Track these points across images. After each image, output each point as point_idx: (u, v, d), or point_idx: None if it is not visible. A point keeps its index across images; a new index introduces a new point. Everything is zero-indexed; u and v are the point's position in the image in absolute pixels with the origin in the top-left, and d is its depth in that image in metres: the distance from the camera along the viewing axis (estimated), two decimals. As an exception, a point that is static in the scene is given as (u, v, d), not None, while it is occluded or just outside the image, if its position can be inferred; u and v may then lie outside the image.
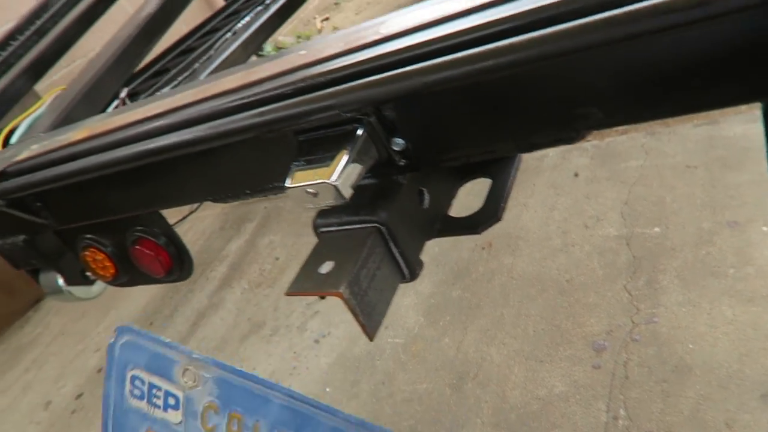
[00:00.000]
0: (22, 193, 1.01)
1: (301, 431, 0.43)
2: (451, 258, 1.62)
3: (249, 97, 0.69)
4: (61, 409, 2.09)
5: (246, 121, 0.68)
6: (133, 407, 0.48)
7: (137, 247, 1.05)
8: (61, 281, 1.25)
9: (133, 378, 0.47)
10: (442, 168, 0.80)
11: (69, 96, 1.27)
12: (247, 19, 1.90)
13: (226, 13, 2.81)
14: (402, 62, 0.57)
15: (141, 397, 0.46)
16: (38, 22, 2.29)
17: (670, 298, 1.25)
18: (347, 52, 0.65)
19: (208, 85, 0.82)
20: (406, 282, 0.73)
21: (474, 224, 0.76)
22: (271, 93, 0.67)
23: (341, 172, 0.62)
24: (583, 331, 1.29)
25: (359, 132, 0.64)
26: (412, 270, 0.70)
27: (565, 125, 0.57)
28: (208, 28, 2.68)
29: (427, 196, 0.75)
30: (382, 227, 0.67)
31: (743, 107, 1.63)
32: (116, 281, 1.18)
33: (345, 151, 0.63)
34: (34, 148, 1.04)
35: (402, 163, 0.67)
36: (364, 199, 0.68)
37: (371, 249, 0.66)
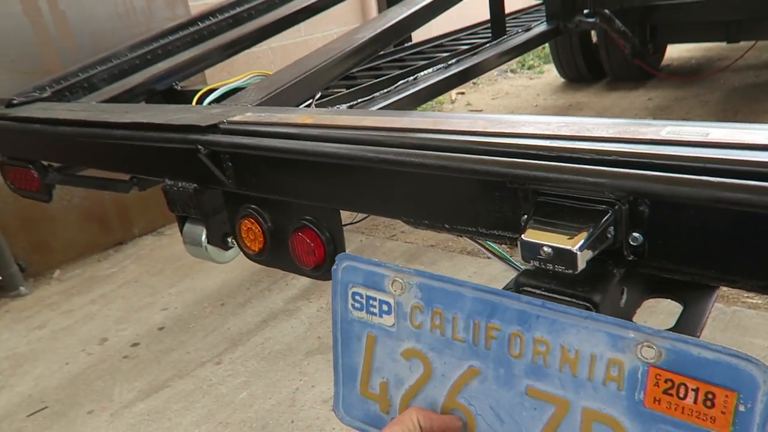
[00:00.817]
0: (226, 149, 1.08)
1: (492, 317, 0.55)
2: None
3: (507, 146, 0.73)
4: (114, 350, 2.14)
5: (499, 167, 0.71)
6: (356, 318, 0.61)
7: (299, 233, 1.10)
8: (204, 237, 1.31)
9: (354, 294, 0.61)
10: (640, 275, 0.80)
11: (277, 82, 1.38)
12: (429, 71, 2.01)
13: (391, 57, 2.97)
14: (690, 170, 0.60)
15: (361, 309, 0.61)
16: (238, 9, 2.50)
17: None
18: (622, 140, 0.68)
19: (448, 120, 0.87)
20: (587, 370, 0.73)
21: (663, 341, 0.75)
22: (532, 151, 0.71)
23: (583, 245, 0.64)
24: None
25: (607, 216, 0.66)
26: (598, 360, 0.70)
27: (832, 285, 0.57)
28: (373, 64, 2.84)
29: (625, 296, 0.75)
30: (593, 310, 0.68)
31: None
32: (258, 256, 1.22)
33: (588, 229, 0.65)
34: (249, 116, 1.12)
35: (630, 258, 0.69)
36: (579, 276, 0.69)
37: (577, 326, 0.67)
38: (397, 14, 1.77)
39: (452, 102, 5.25)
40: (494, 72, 6.15)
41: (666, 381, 0.48)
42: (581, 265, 0.64)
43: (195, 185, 1.21)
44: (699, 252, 0.65)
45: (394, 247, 2.58)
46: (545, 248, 0.66)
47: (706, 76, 4.55)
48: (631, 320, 0.79)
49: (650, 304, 0.85)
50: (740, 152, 0.60)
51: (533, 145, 0.72)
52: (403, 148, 0.83)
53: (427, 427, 0.58)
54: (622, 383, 0.48)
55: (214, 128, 1.10)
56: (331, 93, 1.99)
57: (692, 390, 0.47)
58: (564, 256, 0.64)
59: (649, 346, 0.49)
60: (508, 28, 2.80)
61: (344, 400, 0.67)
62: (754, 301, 1.79)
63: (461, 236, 0.87)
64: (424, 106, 4.88)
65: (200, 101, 1.53)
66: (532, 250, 0.67)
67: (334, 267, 0.62)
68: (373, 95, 1.77)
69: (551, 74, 5.48)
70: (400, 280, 0.58)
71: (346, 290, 0.62)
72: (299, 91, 1.39)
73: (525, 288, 0.73)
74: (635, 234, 0.67)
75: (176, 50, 2.22)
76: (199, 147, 1.09)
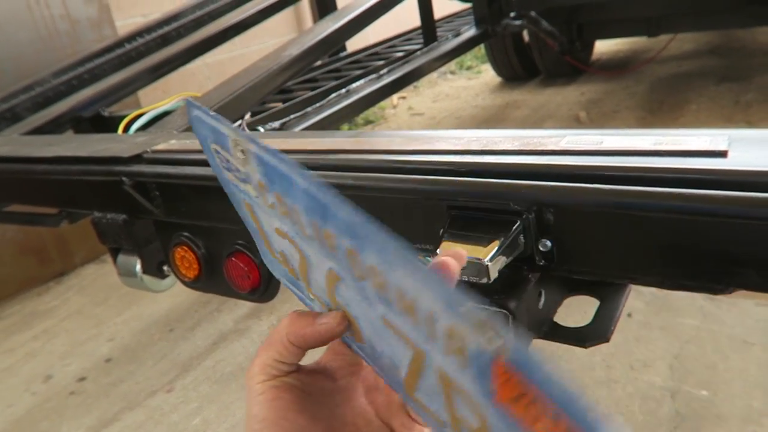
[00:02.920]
0: (151, 179, 1.07)
1: (326, 223, 0.38)
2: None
3: (421, 164, 0.75)
4: (60, 387, 2.07)
5: (414, 185, 0.74)
6: (228, 179, 0.48)
7: (233, 259, 1.10)
8: (138, 267, 1.29)
9: (216, 151, 0.47)
10: (559, 276, 0.84)
11: (204, 105, 1.37)
12: (361, 82, 2.03)
13: (327, 68, 2.98)
14: (586, 179, 0.63)
15: (228, 170, 0.46)
16: (166, 28, 2.46)
17: (710, 465, 1.24)
18: (526, 152, 0.72)
19: (370, 139, 0.89)
20: (510, 373, 0.76)
21: (581, 338, 0.79)
22: (444, 167, 0.73)
23: (494, 256, 0.67)
24: (614, 472, 1.28)
25: (516, 225, 0.69)
26: (519, 363, 0.74)
27: (718, 277, 0.62)
28: (308, 76, 2.85)
29: (543, 298, 0.79)
30: (510, 315, 0.71)
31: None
32: (194, 283, 1.22)
33: (499, 240, 0.69)
34: (173, 143, 1.12)
35: (541, 263, 0.72)
36: (495, 284, 0.72)
37: (495, 333, 0.70)
38: (326, 28, 1.79)
39: (394, 107, 5.30)
40: (434, 74, 6.25)
41: (514, 384, 0.30)
42: (493, 274, 0.67)
43: (124, 216, 1.20)
44: (601, 254, 0.69)
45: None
46: (459, 261, 0.68)
47: (633, 68, 4.75)
48: (552, 319, 0.84)
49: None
50: (629, 159, 0.65)
51: (445, 162, 0.75)
52: (323, 170, 0.84)
53: (301, 343, 0.47)
54: (468, 364, 0.32)
55: (137, 158, 1.09)
56: (266, 108, 1.99)
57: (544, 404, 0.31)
58: (476, 268, 0.67)
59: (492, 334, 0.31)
60: (439, 34, 2.85)
61: (265, 256, 0.57)
62: (684, 284, 1.89)
63: (388, 251, 0.89)
64: (366, 112, 4.92)
65: (127, 128, 1.51)
66: (447, 264, 0.70)
67: (193, 114, 0.47)
68: (305, 110, 1.78)
69: (489, 74, 5.60)
70: (241, 146, 0.43)
71: (207, 145, 0.48)
72: (227, 113, 1.39)
73: (446, 299, 0.76)
74: (544, 240, 0.71)
75: (103, 74, 2.17)
76: (124, 179, 1.07)
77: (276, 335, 0.48)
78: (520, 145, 0.74)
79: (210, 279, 1.18)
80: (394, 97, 5.50)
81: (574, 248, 0.70)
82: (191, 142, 1.09)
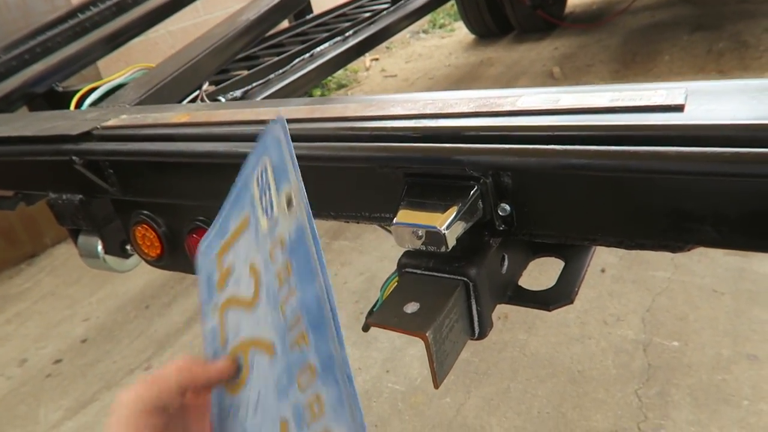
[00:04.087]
0: (102, 157, 1.03)
1: (310, 328, 0.43)
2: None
3: (375, 130, 0.72)
4: (36, 370, 2.05)
5: (371, 153, 0.71)
6: (251, 189, 0.53)
7: (194, 235, 1.07)
8: (100, 247, 1.26)
9: (262, 172, 0.51)
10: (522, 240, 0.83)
11: (157, 77, 1.31)
12: (326, 45, 1.97)
13: (294, 32, 2.90)
14: (541, 140, 0.61)
15: (261, 191, 0.51)
16: (121, -6, 2.35)
17: (680, 414, 1.27)
18: (481, 114, 0.69)
19: (325, 107, 0.86)
20: (474, 339, 0.75)
21: (545, 301, 0.78)
22: (399, 133, 0.71)
23: (451, 223, 0.65)
24: (588, 425, 1.30)
25: (473, 191, 0.67)
26: (483, 329, 0.73)
27: (675, 235, 0.61)
28: (275, 41, 2.77)
29: (506, 262, 0.78)
30: (470, 282, 0.69)
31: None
32: (157, 262, 1.19)
33: (457, 206, 0.67)
34: (124, 118, 1.07)
35: (501, 228, 0.71)
36: (455, 251, 0.70)
37: (456, 301, 0.69)
38: (283, -9, 1.72)
39: (367, 69, 5.21)
40: (406, 34, 6.13)
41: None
42: (451, 242, 0.66)
43: (80, 196, 1.16)
44: (560, 216, 0.67)
45: (318, 225, 2.56)
46: (415, 230, 0.66)
47: (606, 20, 4.69)
48: (517, 283, 0.83)
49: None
50: (585, 117, 0.62)
51: (400, 127, 0.72)
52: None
53: (189, 383, 0.51)
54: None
55: (87, 136, 1.04)
56: (231, 76, 1.93)
57: None
58: (433, 236, 0.65)
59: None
60: (406, -8, 2.77)
61: (208, 245, 0.60)
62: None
63: (348, 221, 0.87)
64: (338, 74, 4.82)
65: (80, 103, 1.45)
66: (404, 234, 0.68)
67: (274, 121, 0.51)
68: (268, 77, 1.72)
69: (462, 32, 5.51)
70: (294, 200, 0.49)
71: (261, 157, 0.52)
72: (182, 84, 1.33)
73: (407, 269, 0.74)
74: (503, 205, 0.69)
75: (57, 46, 2.08)
76: (74, 158, 1.03)
77: (163, 375, 0.51)
78: (475, 107, 0.71)
79: (173, 257, 1.15)
80: (367, 59, 5.40)
81: (533, 211, 0.68)
82: (142, 117, 1.04)
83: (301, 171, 0.80)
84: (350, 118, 0.78)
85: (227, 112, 0.95)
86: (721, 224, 0.58)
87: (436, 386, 0.67)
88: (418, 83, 4.48)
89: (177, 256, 1.14)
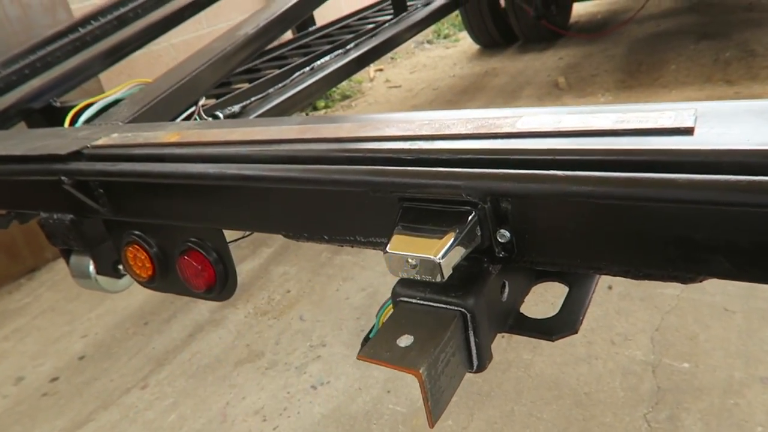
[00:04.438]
0: (92, 177, 1.00)
1: None
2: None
3: (368, 152, 0.69)
4: (32, 389, 2.02)
5: (362, 177, 0.68)
6: None
7: (185, 257, 1.04)
8: (92, 268, 1.23)
9: None
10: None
11: (153, 93, 1.29)
12: (327, 58, 1.95)
13: (296, 44, 2.88)
14: (542, 164, 0.58)
15: None
16: (122, 10, 2.35)
17: (692, 440, 1.22)
18: (479, 136, 0.66)
19: (318, 126, 0.83)
20: (472, 372, 0.71)
21: (548, 330, 0.75)
22: (392, 155, 0.67)
23: (447, 251, 0.62)
24: (595, 451, 1.26)
25: (471, 216, 0.64)
26: (482, 362, 0.69)
27: (686, 266, 0.57)
28: (277, 54, 2.75)
29: (507, 290, 0.74)
30: (468, 313, 0.66)
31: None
32: (150, 283, 1.16)
33: (454, 232, 0.63)
34: (115, 137, 1.04)
35: (501, 255, 0.67)
36: (453, 279, 0.67)
37: (453, 333, 0.65)
38: (283, 4, 1.70)
39: (371, 80, 5.19)
40: (411, 44, 6.12)
41: None
42: (447, 272, 0.62)
43: (71, 216, 1.13)
44: (562, 243, 0.64)
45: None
46: (409, 260, 0.63)
47: (611, 30, 4.66)
48: (518, 309, 0.79)
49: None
50: (589, 140, 0.59)
51: (394, 149, 0.69)
52: (269, 162, 0.78)
53: None
54: None
55: (76, 155, 1.01)
56: (231, 90, 1.91)
57: None
58: (428, 265, 0.62)
59: None
60: (410, 3, 2.75)
61: None
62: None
63: (342, 245, 0.84)
64: (342, 85, 4.81)
65: (74, 120, 1.42)
66: (397, 263, 0.64)
67: None
68: (267, 91, 1.70)
69: (466, 42, 5.49)
70: None
71: None
72: (178, 100, 1.31)
73: (401, 299, 0.71)
74: (502, 231, 0.65)
75: (56, 61, 2.06)
76: (63, 178, 1.00)
77: None
78: (473, 128, 0.67)
79: (165, 278, 1.12)
80: (371, 70, 5.39)
81: (534, 238, 0.65)
82: (133, 135, 1.01)
83: (290, 192, 0.77)
84: (343, 139, 0.75)
85: (218, 131, 0.92)
86: (735, 255, 0.54)
87: (431, 425, 0.63)
88: (422, 94, 4.45)
89: (169, 277, 1.11)
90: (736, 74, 3.28)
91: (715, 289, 1.60)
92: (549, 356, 1.54)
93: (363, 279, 2.17)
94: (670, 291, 1.65)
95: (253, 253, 2.56)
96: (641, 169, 0.52)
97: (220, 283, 1.05)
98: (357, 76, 5.14)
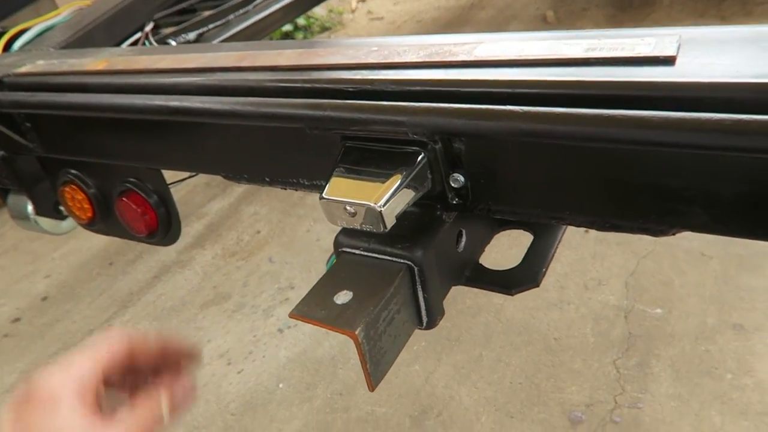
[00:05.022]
0: (14, 109, 0.90)
1: None
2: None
3: (306, 82, 0.60)
4: (-6, 329, 1.96)
5: (297, 110, 0.59)
6: None
7: (124, 199, 0.96)
8: (30, 208, 1.14)
9: None
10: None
11: (91, 15, 1.16)
12: (295, -20, 1.79)
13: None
14: (499, 98, 0.49)
15: None
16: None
17: (660, 387, 1.20)
18: (432, 65, 0.57)
19: (257, 53, 0.73)
20: (422, 329, 0.65)
21: (507, 282, 0.68)
22: (332, 86, 0.58)
23: (390, 198, 0.54)
24: (562, 397, 1.23)
25: (420, 158, 0.56)
26: (432, 318, 0.62)
27: (658, 217, 0.50)
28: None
29: (464, 239, 0.67)
30: (415, 267, 0.59)
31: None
32: (91, 226, 1.08)
33: (399, 175, 0.55)
34: (40, 64, 0.93)
35: (454, 201, 0.60)
36: (402, 229, 0.59)
37: (397, 289, 0.58)
38: None
39: (352, 11, 4.95)
40: (396, -27, 5.81)
41: None
42: (389, 221, 0.55)
43: (2, 152, 1.03)
44: (522, 190, 0.56)
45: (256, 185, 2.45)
46: (347, 207, 0.55)
47: (604, -40, 4.43)
48: (478, 260, 0.72)
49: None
50: (554, 70, 0.50)
51: (334, 79, 0.60)
52: (197, 93, 0.69)
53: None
54: None
55: (-3, 84, 0.90)
56: (189, 18, 1.76)
57: None
58: (368, 214, 0.54)
59: None
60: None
61: None
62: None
63: (286, 189, 0.76)
64: (322, 16, 4.58)
65: (8, 45, 1.29)
66: (334, 210, 0.57)
67: None
68: (228, 18, 1.56)
69: (453, -29, 5.22)
70: None
71: None
72: (119, 25, 1.18)
73: (343, 249, 0.63)
74: (456, 175, 0.58)
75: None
76: (-18, 109, 0.90)
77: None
78: (426, 56, 0.58)
79: (106, 221, 1.04)
80: (353, 0, 5.13)
81: (490, 184, 0.57)
82: (58, 63, 0.90)
83: (224, 129, 0.68)
84: (281, 67, 0.66)
85: (147, 58, 0.82)
86: (715, 206, 0.47)
87: (371, 389, 0.57)
88: (405, 27, 4.26)
89: (110, 219, 1.03)
90: (730, 10, 3.15)
91: (692, 234, 1.56)
92: (521, 301, 1.51)
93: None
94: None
95: (223, 192, 2.47)
96: (611, 104, 0.44)
97: (163, 228, 0.97)
98: (338, 7, 4.90)
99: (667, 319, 1.35)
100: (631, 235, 1.61)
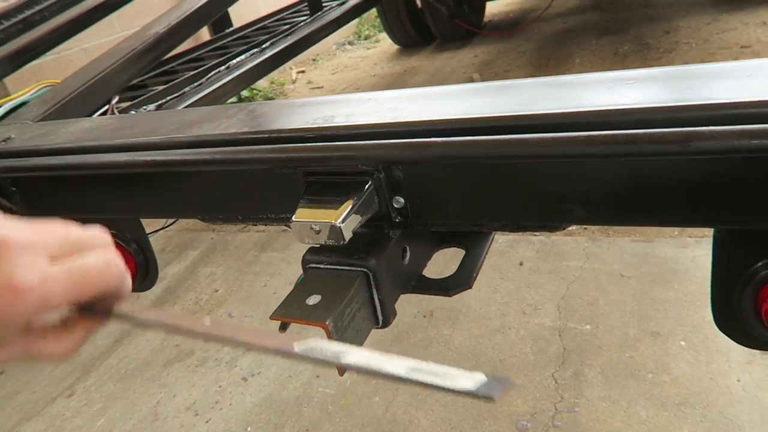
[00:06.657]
0: (4, 174, 1.00)
1: None
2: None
3: (272, 132, 0.75)
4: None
5: (265, 154, 0.73)
6: None
7: (105, 250, 1.05)
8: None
9: None
10: (424, 232, 0.87)
11: (63, 92, 1.28)
12: (242, 57, 1.98)
13: (213, 45, 2.89)
14: (422, 133, 0.65)
15: None
16: (27, 12, 2.28)
17: (593, 392, 1.35)
18: (371, 113, 0.72)
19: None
20: (378, 328, 0.78)
21: (446, 287, 0.83)
22: (293, 134, 0.73)
23: (346, 216, 0.68)
24: (509, 410, 1.36)
25: (368, 185, 0.71)
26: (386, 317, 0.76)
27: (550, 215, 0.66)
28: (194, 55, 2.74)
29: (408, 254, 0.82)
30: (370, 273, 0.73)
31: (675, 232, 1.79)
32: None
33: (351, 200, 0.70)
34: (26, 134, 1.04)
35: (397, 219, 0.74)
36: (356, 245, 0.74)
37: (357, 291, 0.72)
38: (192, 4, 1.72)
39: (293, 82, 5.21)
40: (332, 45, 6.18)
41: None
42: (347, 235, 0.69)
43: (-17, 216, 1.11)
44: (449, 205, 0.72)
45: (245, 239, 2.55)
46: (313, 226, 0.69)
47: (521, 27, 4.90)
48: (422, 273, 0.87)
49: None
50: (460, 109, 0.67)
51: (295, 128, 0.75)
52: (178, 147, 0.82)
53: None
54: None
55: (-15, 154, 1.01)
56: (148, 92, 1.90)
57: None
58: (330, 230, 0.68)
59: None
60: (324, 4, 2.82)
61: None
62: (571, 229, 2.01)
63: (256, 224, 0.89)
64: (265, 87, 4.79)
65: (-20, 123, 1.39)
66: (302, 230, 0.70)
67: None
68: (183, 90, 1.71)
69: (386, 42, 5.61)
70: None
71: None
72: (89, 99, 1.31)
73: (310, 265, 0.77)
74: (397, 197, 0.73)
75: (-43, 67, 1.99)
76: (-29, 177, 1.00)
77: None
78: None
79: (85, 273, 1.12)
80: (293, 72, 5.41)
81: (425, 203, 0.73)
82: (48, 130, 1.02)
83: (204, 176, 0.81)
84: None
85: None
86: (588, 203, 0.64)
87: (341, 374, 0.70)
88: (344, 94, 4.52)
89: (89, 272, 1.11)
90: (633, 65, 3.54)
91: (613, 258, 1.76)
92: (467, 330, 1.65)
93: (290, 273, 2.21)
94: (574, 263, 1.79)
95: (178, 256, 2.54)
96: (499, 132, 0.61)
97: (141, 274, 1.08)
98: (279, 78, 5.15)
99: (595, 333, 1.51)
100: (560, 264, 1.79)
